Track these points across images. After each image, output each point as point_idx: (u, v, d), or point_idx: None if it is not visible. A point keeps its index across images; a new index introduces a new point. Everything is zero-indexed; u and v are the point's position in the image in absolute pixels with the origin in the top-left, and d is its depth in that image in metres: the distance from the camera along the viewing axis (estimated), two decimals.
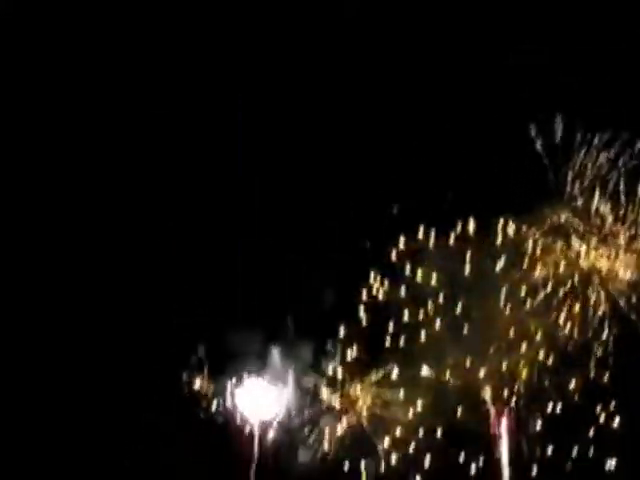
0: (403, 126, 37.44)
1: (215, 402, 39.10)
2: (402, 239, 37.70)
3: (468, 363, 37.77)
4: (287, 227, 38.56)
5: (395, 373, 38.77)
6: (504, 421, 37.97)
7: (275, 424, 39.35)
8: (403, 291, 38.01)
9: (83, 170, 38.09)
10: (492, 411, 38.19)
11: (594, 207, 37.12)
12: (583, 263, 37.11)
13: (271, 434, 39.28)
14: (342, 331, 38.76)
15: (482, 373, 37.87)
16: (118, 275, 38.22)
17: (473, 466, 37.57)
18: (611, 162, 37.46)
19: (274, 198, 38.60)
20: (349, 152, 38.06)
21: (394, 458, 38.52)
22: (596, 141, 37.25)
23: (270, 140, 38.23)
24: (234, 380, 39.17)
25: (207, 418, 38.96)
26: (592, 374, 36.79)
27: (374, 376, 39.31)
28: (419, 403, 38.31)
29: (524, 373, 37.42)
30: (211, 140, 38.51)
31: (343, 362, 39.28)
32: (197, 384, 39.02)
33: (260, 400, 39.37)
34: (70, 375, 37.21)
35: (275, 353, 39.19)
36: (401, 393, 38.68)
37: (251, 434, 39.08)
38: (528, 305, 37.21)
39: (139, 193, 38.47)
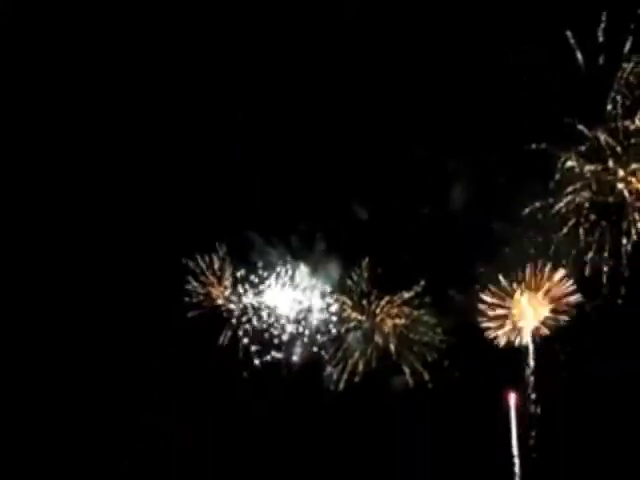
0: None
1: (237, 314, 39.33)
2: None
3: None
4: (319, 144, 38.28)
5: (424, 294, 38.41)
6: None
7: (302, 340, 39.37)
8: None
9: (84, 170, 38.58)
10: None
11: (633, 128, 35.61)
12: (619, 186, 35.84)
13: (298, 349, 39.35)
14: (370, 250, 38.38)
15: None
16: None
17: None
18: None
19: (297, 135, 38.36)
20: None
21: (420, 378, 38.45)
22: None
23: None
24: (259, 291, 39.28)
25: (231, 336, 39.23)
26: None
27: (400, 296, 38.89)
28: (446, 324, 38.09)
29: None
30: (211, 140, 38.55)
31: (371, 281, 38.92)
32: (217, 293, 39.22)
33: (287, 310, 39.38)
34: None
35: (302, 268, 39.00)
36: (428, 316, 38.40)
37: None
38: (560, 229, 36.27)
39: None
